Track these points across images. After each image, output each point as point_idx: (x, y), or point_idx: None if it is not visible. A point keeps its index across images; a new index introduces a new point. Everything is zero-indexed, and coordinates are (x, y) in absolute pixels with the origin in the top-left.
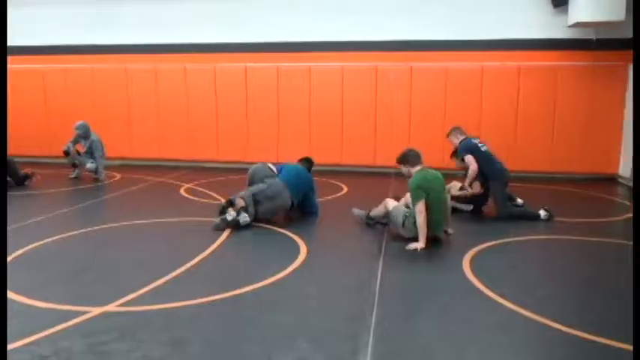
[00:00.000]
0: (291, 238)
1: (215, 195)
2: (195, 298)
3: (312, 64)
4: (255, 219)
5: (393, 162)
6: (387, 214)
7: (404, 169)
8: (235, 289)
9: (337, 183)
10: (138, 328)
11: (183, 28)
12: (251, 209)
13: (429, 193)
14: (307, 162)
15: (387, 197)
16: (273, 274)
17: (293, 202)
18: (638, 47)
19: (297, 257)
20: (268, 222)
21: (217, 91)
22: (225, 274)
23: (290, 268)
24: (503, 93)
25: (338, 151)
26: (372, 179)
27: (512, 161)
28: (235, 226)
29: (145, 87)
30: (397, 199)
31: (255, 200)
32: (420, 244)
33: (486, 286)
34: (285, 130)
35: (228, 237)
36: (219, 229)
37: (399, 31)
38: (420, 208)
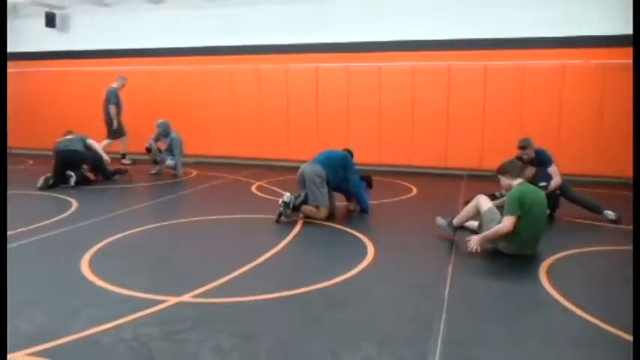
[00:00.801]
0: (358, 239)
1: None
2: (263, 294)
3: (383, 64)
4: (305, 201)
5: (464, 164)
6: (477, 216)
7: (504, 180)
8: (302, 286)
9: (406, 184)
10: (210, 319)
11: (259, 30)
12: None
13: (530, 208)
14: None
15: (479, 194)
16: (340, 274)
17: (329, 178)
18: (638, 46)
19: (364, 258)
20: (336, 221)
21: (289, 91)
22: (293, 271)
23: (357, 269)
24: (585, 93)
25: (408, 152)
26: (443, 181)
27: (594, 166)
28: (292, 208)
29: (220, 87)
30: (492, 197)
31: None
32: (475, 244)
33: (563, 297)
34: (354, 129)
35: (296, 235)
36: (284, 215)
37: (471, 30)
38: (507, 223)
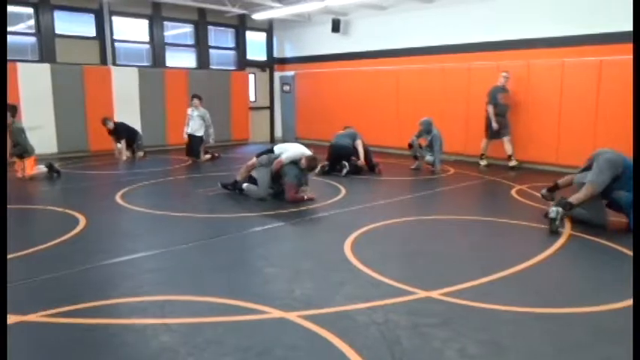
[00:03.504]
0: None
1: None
2: (518, 306)
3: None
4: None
5: None
6: None
7: None
8: (564, 306)
9: None
10: (458, 320)
11: (499, 23)
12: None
13: None
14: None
15: None
16: (608, 301)
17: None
18: (638, 45)
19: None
20: (610, 238)
21: (563, 91)
22: (553, 287)
23: (626, 301)
24: None
25: None
26: None
27: None
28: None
29: (484, 83)
30: None
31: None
32: None
33: None
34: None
35: (560, 248)
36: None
37: None
38: None
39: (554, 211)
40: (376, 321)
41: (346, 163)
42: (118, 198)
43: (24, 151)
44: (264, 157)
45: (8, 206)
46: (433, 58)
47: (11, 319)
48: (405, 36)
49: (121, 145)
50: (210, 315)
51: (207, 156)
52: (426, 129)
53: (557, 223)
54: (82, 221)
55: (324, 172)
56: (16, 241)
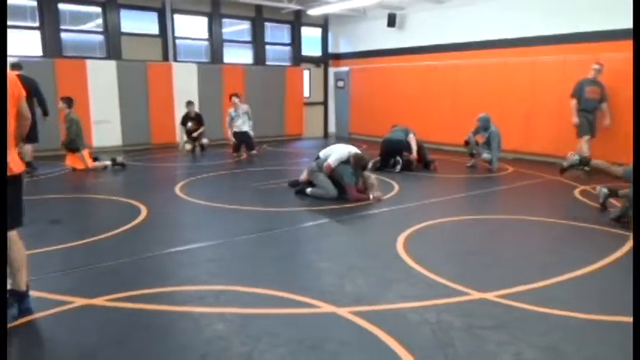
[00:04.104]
0: None
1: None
2: (578, 312)
3: None
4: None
5: None
6: None
7: None
8: (626, 315)
9: None
10: (514, 323)
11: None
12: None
13: None
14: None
15: None
16: None
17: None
18: (638, 43)
19: None
20: None
21: None
22: (616, 294)
23: None
24: None
25: None
26: None
27: None
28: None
29: (550, 80)
30: None
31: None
32: None
33: None
34: None
35: (625, 254)
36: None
37: None
38: None
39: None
40: (429, 320)
41: (399, 159)
42: (177, 190)
43: (71, 142)
44: (314, 164)
45: (77, 195)
46: (492, 52)
47: (78, 302)
48: (462, 30)
49: (197, 132)
50: (263, 306)
51: (254, 152)
52: (484, 125)
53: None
54: (144, 211)
55: (376, 169)
56: (82, 228)
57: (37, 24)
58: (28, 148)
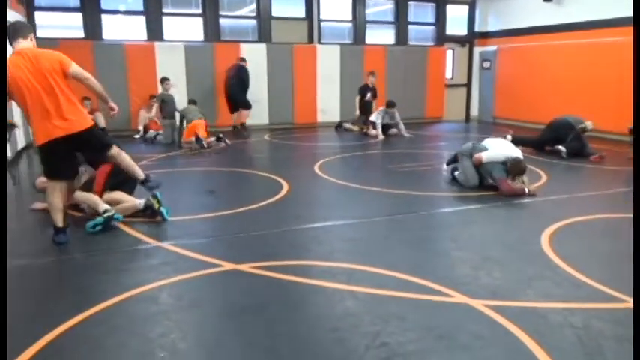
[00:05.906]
0: None
1: None
2: None
3: None
4: None
5: None
6: None
7: None
8: None
9: None
10: None
11: None
12: None
13: None
14: None
15: None
16: None
17: None
18: (637, 40)
19: None
20: None
21: None
22: None
23: None
24: None
25: None
26: None
27: None
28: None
29: None
30: None
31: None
32: None
33: None
34: None
35: None
36: None
37: None
38: None
39: None
40: (574, 324)
41: (563, 149)
42: (316, 168)
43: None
44: (469, 144)
45: (230, 169)
46: None
47: (227, 266)
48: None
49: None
50: (394, 289)
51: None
52: None
53: None
54: (285, 187)
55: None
56: (233, 199)
57: (199, 11)
58: (244, 113)
